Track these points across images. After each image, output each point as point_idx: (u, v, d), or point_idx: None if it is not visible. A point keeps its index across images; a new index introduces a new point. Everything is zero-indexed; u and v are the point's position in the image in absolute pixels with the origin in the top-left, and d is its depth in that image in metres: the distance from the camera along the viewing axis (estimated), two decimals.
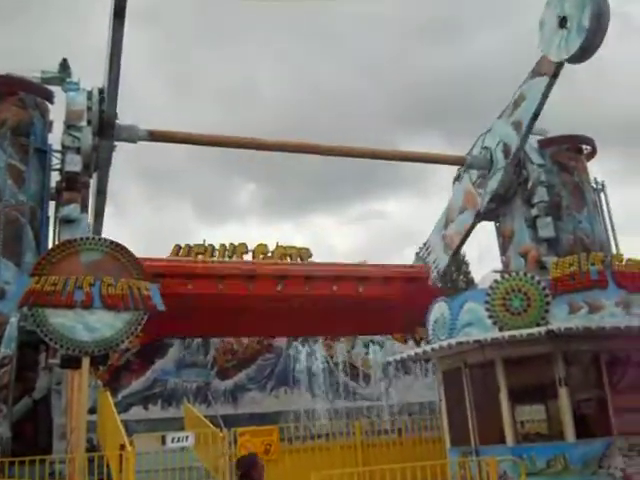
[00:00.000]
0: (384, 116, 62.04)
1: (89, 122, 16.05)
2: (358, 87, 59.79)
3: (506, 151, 19.51)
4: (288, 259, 23.85)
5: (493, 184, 19.62)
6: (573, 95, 56.69)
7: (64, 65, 17.04)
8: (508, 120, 19.64)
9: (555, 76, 16.94)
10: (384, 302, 19.16)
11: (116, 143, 16.58)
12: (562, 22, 14.85)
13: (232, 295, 18.00)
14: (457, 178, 21.62)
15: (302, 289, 19.12)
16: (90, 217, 16.25)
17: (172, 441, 12.24)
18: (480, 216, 20.12)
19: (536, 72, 18.04)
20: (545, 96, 17.64)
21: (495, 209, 20.00)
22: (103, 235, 14.93)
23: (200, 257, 21.39)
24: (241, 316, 18.40)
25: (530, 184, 19.55)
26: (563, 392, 10.24)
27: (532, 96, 18.32)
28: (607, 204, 20.43)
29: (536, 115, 18.15)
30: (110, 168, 16.51)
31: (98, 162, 16.19)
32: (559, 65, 16.23)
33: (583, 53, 14.68)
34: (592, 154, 20.94)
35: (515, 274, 10.94)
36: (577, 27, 14.41)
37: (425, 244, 22.06)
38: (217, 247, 23.32)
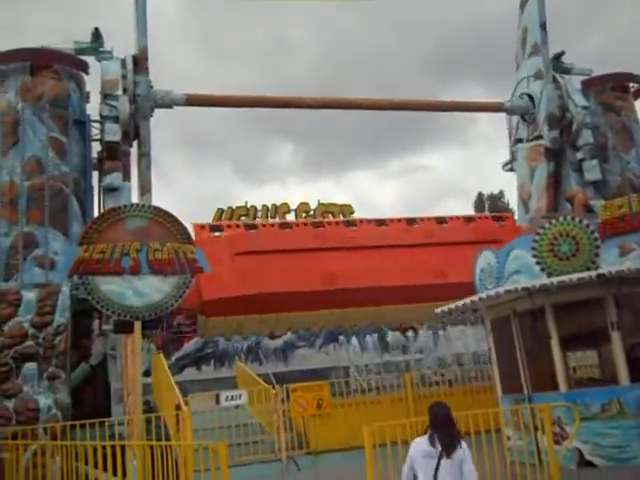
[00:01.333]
0: (421, 69, 60.85)
1: (125, 90, 16.14)
2: (393, 42, 58.72)
3: (539, 75, 19.35)
4: (330, 216, 23.85)
5: (543, 109, 19.22)
6: (618, 33, 54.65)
7: (96, 34, 17.06)
8: (524, 59, 19.78)
9: None
10: None
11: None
12: None
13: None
14: (511, 161, 20.94)
15: None
16: (136, 186, 16.33)
17: (226, 399, 12.50)
18: (550, 153, 19.38)
19: (522, 2, 20.13)
20: (542, 3, 19.17)
21: (560, 138, 19.36)
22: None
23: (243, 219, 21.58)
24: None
25: (574, 127, 19.07)
26: (616, 336, 10.03)
27: (531, 18, 19.58)
28: None
29: (543, 25, 19.26)
30: (150, 123, 16.47)
31: (138, 119, 16.18)
32: None
33: None
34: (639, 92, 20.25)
35: (563, 219, 10.69)
36: None
37: None
38: (259, 208, 23.44)
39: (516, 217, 21.08)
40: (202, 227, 16.85)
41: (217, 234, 17.00)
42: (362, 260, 16.78)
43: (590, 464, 9.78)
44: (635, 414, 9.63)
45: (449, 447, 5.68)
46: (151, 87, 16.76)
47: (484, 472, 7.88)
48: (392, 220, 18.91)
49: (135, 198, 15.81)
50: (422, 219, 19.00)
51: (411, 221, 18.92)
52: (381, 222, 18.70)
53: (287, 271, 16.11)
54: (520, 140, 20.04)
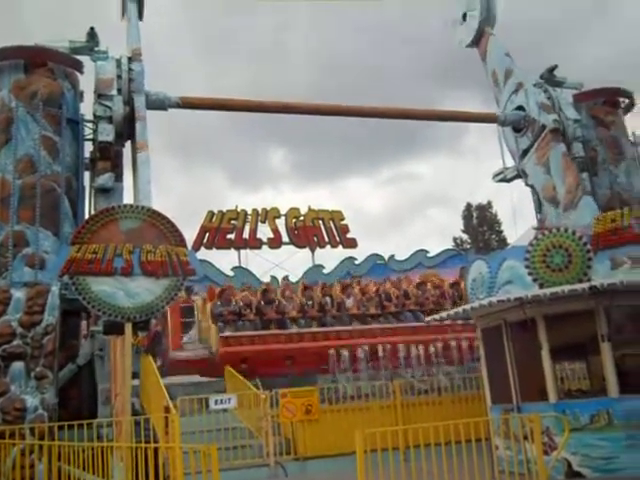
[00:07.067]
0: (416, 79, 61.17)
1: (119, 91, 16.05)
2: (390, 49, 59.01)
3: (520, 87, 20.23)
4: (320, 223, 23.90)
5: (533, 103, 19.68)
6: (612, 48, 55.20)
7: (92, 34, 16.93)
8: (502, 90, 20.63)
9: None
10: None
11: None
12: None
13: None
14: (523, 174, 20.65)
15: None
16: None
17: (215, 403, 12.47)
18: (557, 134, 19.26)
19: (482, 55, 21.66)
20: (498, 43, 21.00)
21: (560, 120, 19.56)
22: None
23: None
24: None
25: (566, 140, 19.17)
26: (606, 347, 10.13)
27: (496, 59, 21.05)
28: None
29: (507, 53, 20.68)
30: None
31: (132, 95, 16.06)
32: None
33: None
34: (630, 107, 20.43)
35: (556, 230, 10.78)
36: None
37: None
38: (249, 212, 23.46)
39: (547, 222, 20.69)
40: None
41: None
42: None
43: (578, 475, 9.85)
44: (624, 425, 9.71)
45: None
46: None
47: None
48: None
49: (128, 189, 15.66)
50: None
51: None
52: None
53: None
54: (525, 152, 19.99)
